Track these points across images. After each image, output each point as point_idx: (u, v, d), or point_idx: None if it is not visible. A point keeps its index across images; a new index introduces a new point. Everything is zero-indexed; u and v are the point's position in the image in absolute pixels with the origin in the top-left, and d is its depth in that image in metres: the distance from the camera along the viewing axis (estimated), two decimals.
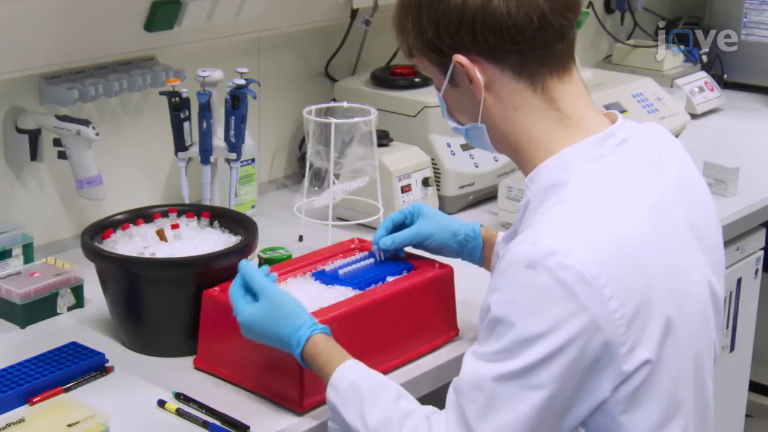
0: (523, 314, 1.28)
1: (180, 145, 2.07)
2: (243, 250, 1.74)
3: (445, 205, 2.33)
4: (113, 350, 1.72)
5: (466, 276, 1.79)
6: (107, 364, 1.67)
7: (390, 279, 1.69)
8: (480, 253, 1.73)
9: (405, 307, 1.67)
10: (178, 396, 1.58)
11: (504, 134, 1.44)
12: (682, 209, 1.42)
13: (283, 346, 1.49)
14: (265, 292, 1.50)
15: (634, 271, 1.30)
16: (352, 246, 1.83)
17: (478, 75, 1.40)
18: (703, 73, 3.29)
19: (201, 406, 1.55)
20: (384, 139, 2.28)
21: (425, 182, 2.28)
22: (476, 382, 1.31)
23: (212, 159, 2.07)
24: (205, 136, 2.05)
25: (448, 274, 1.75)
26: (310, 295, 1.65)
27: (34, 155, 2.04)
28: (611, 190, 1.36)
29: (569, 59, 1.43)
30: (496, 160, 2.39)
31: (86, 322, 1.83)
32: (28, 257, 1.97)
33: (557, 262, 1.26)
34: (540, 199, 1.38)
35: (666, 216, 1.38)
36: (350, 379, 1.42)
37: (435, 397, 1.53)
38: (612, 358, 1.28)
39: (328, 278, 1.71)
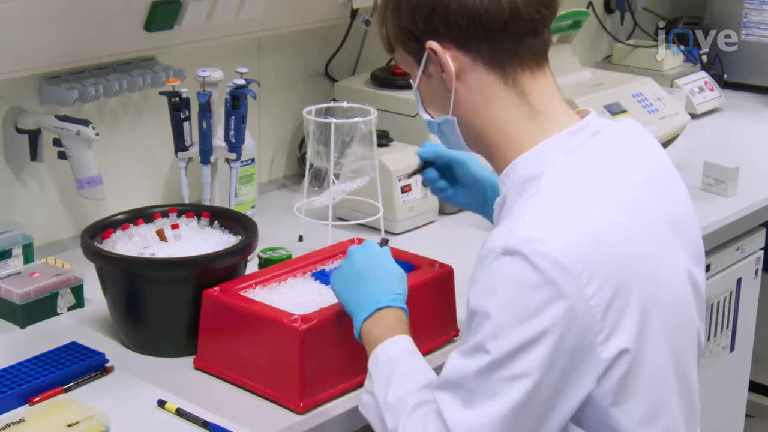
0: (499, 302, 1.28)
1: (180, 145, 2.07)
2: (243, 250, 1.74)
3: (444, 205, 2.33)
4: (113, 350, 1.72)
5: (466, 276, 1.78)
6: (107, 364, 1.67)
7: None
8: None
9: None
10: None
11: (475, 128, 1.45)
12: (658, 201, 1.43)
13: (352, 309, 1.52)
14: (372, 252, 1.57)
15: (610, 260, 1.30)
16: None
17: (449, 62, 1.41)
18: (703, 73, 3.29)
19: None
20: (384, 139, 2.28)
21: (425, 182, 2.27)
22: (457, 379, 1.32)
23: (212, 159, 2.07)
24: (205, 136, 2.05)
25: (448, 274, 1.75)
26: (310, 295, 1.65)
27: (34, 155, 2.04)
28: (586, 181, 1.37)
29: (542, 57, 1.44)
30: None
31: (86, 322, 1.83)
32: (28, 257, 1.97)
33: (534, 249, 1.27)
34: (516, 194, 1.39)
35: (642, 207, 1.39)
36: (391, 353, 1.44)
37: None
38: (590, 346, 1.29)
39: (328, 278, 1.71)
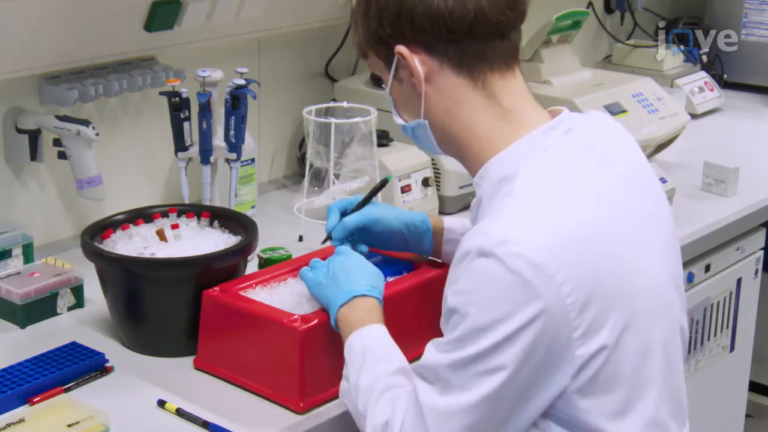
0: (476, 303, 1.30)
1: (180, 145, 2.07)
2: (243, 250, 1.74)
3: (445, 205, 2.33)
4: (113, 350, 1.72)
5: None
6: (107, 364, 1.67)
7: (389, 279, 1.69)
8: (430, 239, 1.73)
9: (404, 308, 1.66)
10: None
11: (447, 130, 1.46)
12: (634, 196, 1.44)
13: (328, 304, 1.55)
14: (344, 251, 1.62)
15: (585, 258, 1.31)
16: None
17: (418, 66, 1.42)
18: (703, 73, 3.29)
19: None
20: (384, 139, 2.28)
21: (425, 182, 2.28)
22: (432, 368, 1.35)
23: (212, 159, 2.07)
24: (205, 136, 2.05)
25: (447, 274, 1.74)
26: (309, 296, 1.65)
27: (34, 155, 2.04)
28: (560, 179, 1.37)
29: (512, 59, 1.45)
30: None
31: (86, 322, 1.83)
32: (28, 257, 1.97)
33: (508, 251, 1.28)
34: (491, 194, 1.40)
35: (617, 203, 1.40)
36: (365, 341, 1.48)
37: None
38: (566, 343, 1.30)
39: None
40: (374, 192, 1.74)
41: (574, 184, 1.37)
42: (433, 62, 1.43)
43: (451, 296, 1.34)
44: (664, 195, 1.53)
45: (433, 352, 1.37)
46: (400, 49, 1.43)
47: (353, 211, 1.71)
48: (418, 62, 1.43)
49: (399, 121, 1.52)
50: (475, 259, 1.30)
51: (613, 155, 1.46)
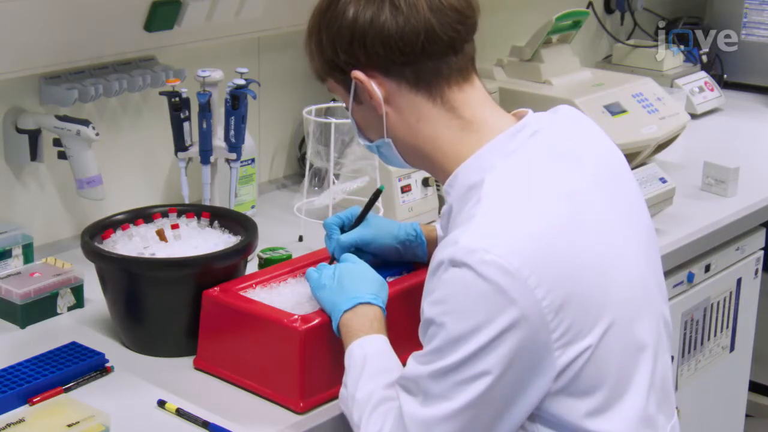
0: (452, 313, 1.30)
1: (180, 145, 2.07)
2: (243, 250, 1.74)
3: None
4: (113, 350, 1.72)
5: None
6: (107, 364, 1.67)
7: (389, 279, 1.69)
8: (424, 250, 1.74)
9: (404, 308, 1.66)
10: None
11: (412, 147, 1.48)
12: (606, 191, 1.44)
13: (332, 309, 1.55)
14: (349, 258, 1.63)
15: (558, 259, 1.31)
16: None
17: (375, 89, 1.44)
18: (703, 73, 3.29)
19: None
20: None
21: (425, 182, 2.28)
22: (413, 379, 1.35)
23: (212, 159, 2.07)
24: (205, 136, 2.05)
25: None
26: (310, 295, 1.65)
27: (34, 155, 2.04)
28: (527, 183, 1.37)
29: (468, 70, 1.46)
30: None
31: (86, 322, 1.83)
32: (28, 257, 1.97)
33: (479, 259, 1.28)
34: (461, 203, 1.41)
35: (588, 200, 1.40)
36: (366, 350, 1.48)
37: None
38: (545, 346, 1.30)
39: None
40: (370, 205, 1.74)
41: (541, 186, 1.37)
42: (390, 84, 1.44)
43: (427, 307, 1.35)
44: (637, 187, 1.53)
45: (413, 363, 1.37)
46: (357, 74, 1.44)
47: (352, 226, 1.72)
48: (375, 85, 1.44)
49: (363, 141, 1.54)
50: (448, 269, 1.31)
51: (581, 153, 1.46)
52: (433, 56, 1.42)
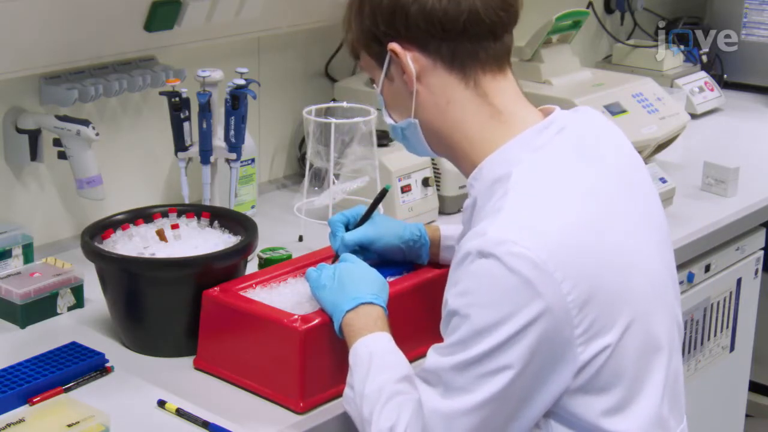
0: (477, 305, 1.30)
1: (180, 145, 2.07)
2: (243, 250, 1.74)
3: (445, 205, 2.33)
4: (113, 350, 1.72)
5: None
6: (107, 364, 1.67)
7: (389, 279, 1.69)
8: (427, 250, 1.74)
9: (404, 308, 1.66)
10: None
11: (438, 130, 1.47)
12: (627, 191, 1.45)
13: (333, 309, 1.55)
14: (350, 258, 1.63)
15: (582, 255, 1.31)
16: None
17: (410, 63, 1.43)
18: (703, 73, 3.29)
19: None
20: (384, 139, 2.28)
21: (425, 182, 2.28)
22: (434, 372, 1.35)
23: (212, 159, 2.07)
24: (205, 136, 2.05)
25: (448, 274, 1.74)
26: (310, 295, 1.65)
27: (34, 155, 2.04)
28: (554, 178, 1.38)
29: (504, 61, 1.46)
30: None
31: (86, 322, 1.83)
32: (28, 257, 1.97)
33: (507, 251, 1.28)
34: (486, 196, 1.40)
35: (611, 199, 1.40)
36: (371, 348, 1.48)
37: None
38: (568, 342, 1.30)
39: None
40: (375, 204, 1.74)
41: (568, 182, 1.38)
42: (426, 60, 1.43)
43: (451, 299, 1.34)
44: (654, 188, 1.54)
45: (434, 356, 1.37)
46: (393, 46, 1.43)
47: (357, 225, 1.72)
48: (410, 59, 1.43)
49: (389, 120, 1.52)
50: (476, 260, 1.30)
51: (604, 152, 1.47)
52: (472, 38, 1.41)
